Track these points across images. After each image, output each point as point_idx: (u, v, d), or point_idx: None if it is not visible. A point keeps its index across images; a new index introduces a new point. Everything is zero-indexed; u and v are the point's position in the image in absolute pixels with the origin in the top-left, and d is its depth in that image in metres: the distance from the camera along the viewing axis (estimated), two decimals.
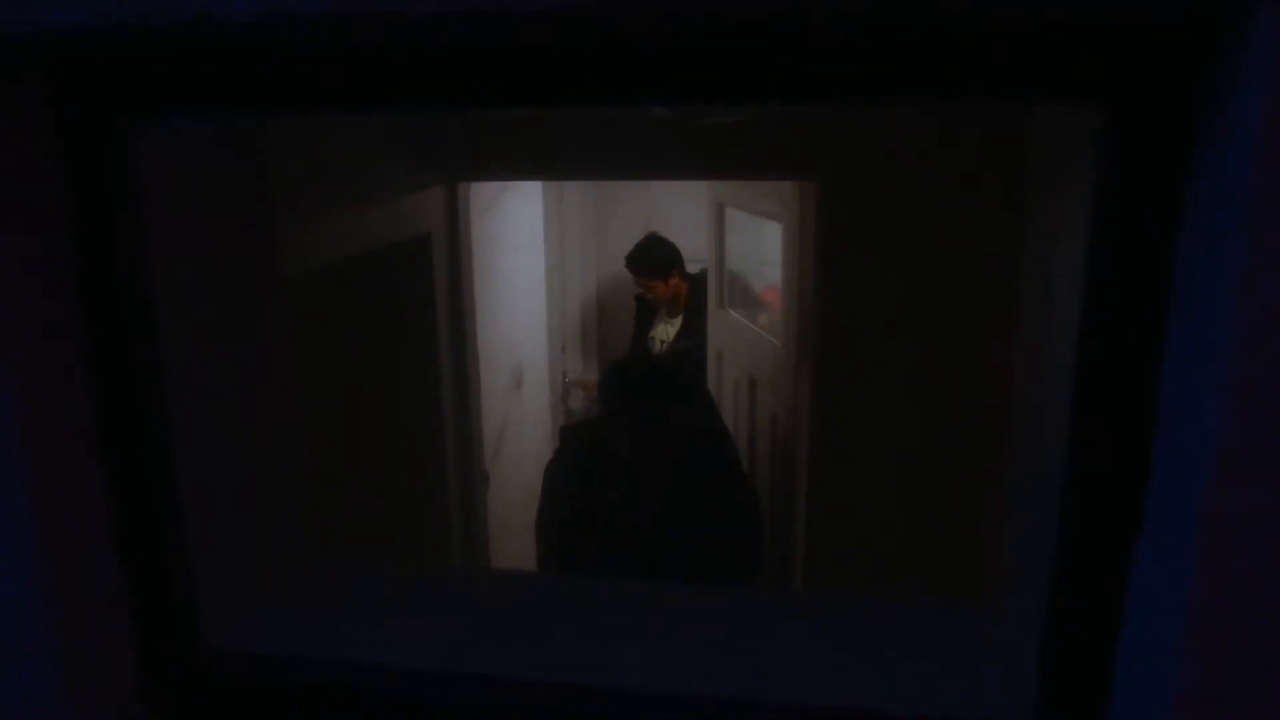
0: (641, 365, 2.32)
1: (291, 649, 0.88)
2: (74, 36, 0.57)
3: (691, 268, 3.62)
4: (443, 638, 0.92)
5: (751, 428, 2.65)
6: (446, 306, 2.17)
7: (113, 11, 0.55)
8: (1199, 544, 0.53)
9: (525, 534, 2.36)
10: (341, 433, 1.80)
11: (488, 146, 2.04)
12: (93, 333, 0.74)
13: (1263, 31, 0.46)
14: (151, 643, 0.81)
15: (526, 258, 3.55)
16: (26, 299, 0.68)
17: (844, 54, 0.58)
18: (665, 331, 3.72)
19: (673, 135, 1.82)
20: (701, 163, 1.97)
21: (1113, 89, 0.55)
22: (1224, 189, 0.51)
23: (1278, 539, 0.52)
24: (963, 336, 1.72)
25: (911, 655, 0.87)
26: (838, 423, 1.96)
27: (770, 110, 1.66)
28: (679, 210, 4.46)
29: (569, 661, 0.88)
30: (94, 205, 0.71)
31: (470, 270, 2.29)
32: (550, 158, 2.01)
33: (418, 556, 2.12)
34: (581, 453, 2.03)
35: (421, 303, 2.07)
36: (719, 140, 1.83)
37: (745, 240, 2.93)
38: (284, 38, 0.60)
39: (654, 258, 3.65)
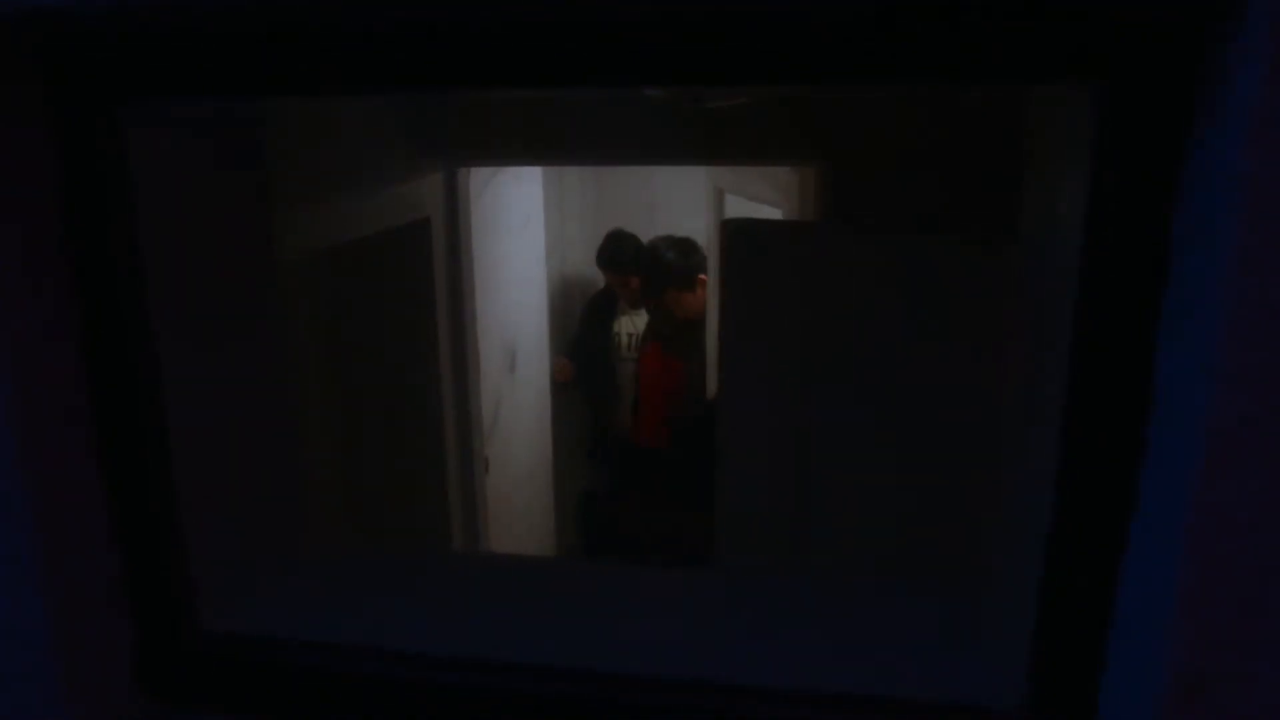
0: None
1: (289, 632, 0.88)
2: (65, 18, 0.57)
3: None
4: (441, 621, 0.93)
5: None
6: (445, 291, 2.17)
7: None
8: (1191, 529, 0.53)
9: (522, 517, 2.35)
10: (340, 417, 1.80)
11: (487, 131, 2.03)
12: (88, 320, 0.73)
13: (1260, 10, 0.46)
14: (148, 626, 0.82)
15: (524, 240, 3.54)
16: (22, 286, 0.68)
17: (842, 36, 0.58)
18: (632, 324, 3.71)
19: (671, 120, 1.81)
20: (700, 148, 1.96)
21: (1110, 70, 0.55)
22: (1220, 172, 0.50)
23: (1270, 524, 0.52)
24: (960, 322, 1.72)
25: (901, 638, 0.87)
26: (835, 407, 1.96)
27: (768, 94, 1.65)
28: (679, 194, 4.44)
29: (565, 644, 0.88)
30: (88, 193, 0.71)
31: (469, 255, 2.29)
32: (549, 143, 2.01)
33: (417, 540, 2.13)
34: None
35: (420, 288, 2.07)
36: (717, 125, 1.82)
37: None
38: (278, 17, 0.59)
39: (628, 252, 3.66)
